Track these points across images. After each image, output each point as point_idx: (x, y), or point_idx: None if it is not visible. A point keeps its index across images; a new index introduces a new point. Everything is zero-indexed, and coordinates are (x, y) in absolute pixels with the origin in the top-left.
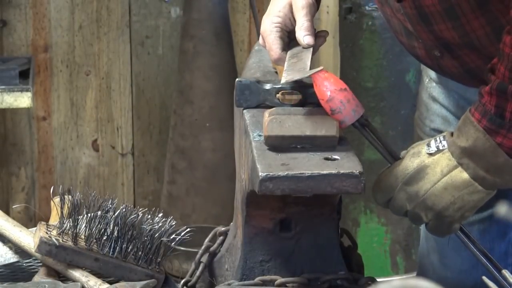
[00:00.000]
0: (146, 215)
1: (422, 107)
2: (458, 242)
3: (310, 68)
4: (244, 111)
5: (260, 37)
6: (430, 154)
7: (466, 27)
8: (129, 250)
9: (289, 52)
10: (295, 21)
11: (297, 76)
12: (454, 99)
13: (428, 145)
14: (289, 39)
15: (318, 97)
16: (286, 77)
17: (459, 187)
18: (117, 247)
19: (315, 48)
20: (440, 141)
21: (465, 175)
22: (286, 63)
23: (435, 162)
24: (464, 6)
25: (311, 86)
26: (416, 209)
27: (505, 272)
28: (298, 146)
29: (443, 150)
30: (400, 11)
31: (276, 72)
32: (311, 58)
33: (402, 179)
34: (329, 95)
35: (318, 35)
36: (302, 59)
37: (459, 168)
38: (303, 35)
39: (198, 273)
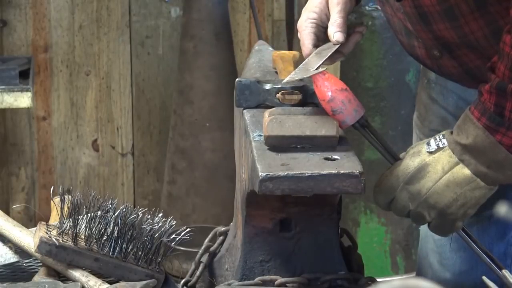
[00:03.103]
0: (146, 215)
1: (421, 108)
2: (458, 243)
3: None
4: (244, 111)
5: (298, 32)
6: (431, 153)
7: (465, 28)
8: (129, 250)
9: (318, 49)
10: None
11: (298, 76)
12: (453, 100)
13: (428, 144)
14: (324, 35)
15: (319, 97)
16: (291, 76)
17: (461, 183)
18: (117, 247)
19: (350, 44)
20: (440, 140)
21: (466, 171)
22: (307, 59)
23: (435, 160)
24: (463, 7)
25: (311, 86)
26: (419, 208)
27: (505, 272)
28: (298, 146)
29: (443, 148)
30: (400, 10)
31: (276, 72)
32: (340, 53)
33: (403, 179)
34: (330, 95)
35: (355, 31)
36: (320, 57)
37: (461, 165)
38: (333, 32)
39: (198, 273)
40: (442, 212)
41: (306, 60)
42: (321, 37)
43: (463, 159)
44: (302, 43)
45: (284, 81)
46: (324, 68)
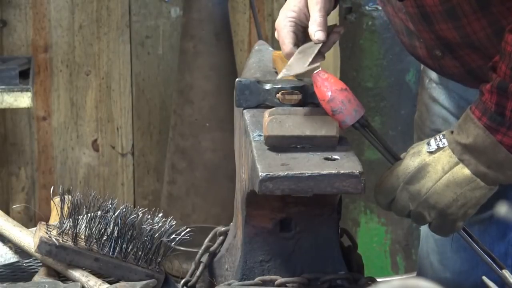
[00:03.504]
0: (146, 215)
1: (422, 108)
2: (458, 243)
3: (313, 64)
4: (244, 111)
5: (276, 31)
6: (431, 153)
7: (467, 28)
8: (129, 250)
9: (299, 48)
10: (310, 16)
11: (292, 72)
12: (454, 100)
13: (428, 144)
14: (303, 34)
15: (319, 97)
16: (284, 72)
17: (461, 183)
18: (117, 247)
19: (329, 44)
20: (440, 139)
21: (466, 171)
22: (292, 58)
23: (436, 160)
24: (465, 7)
25: (311, 86)
26: (419, 208)
27: (506, 272)
28: (298, 146)
29: (443, 148)
30: (402, 10)
31: (276, 72)
32: (320, 54)
33: (403, 179)
34: (330, 95)
35: (333, 31)
36: (306, 55)
37: (461, 165)
38: (314, 31)
39: (198, 273)
40: (442, 212)
41: (291, 59)
42: (300, 36)
43: (463, 159)
44: (282, 41)
45: (278, 77)
46: (318, 64)
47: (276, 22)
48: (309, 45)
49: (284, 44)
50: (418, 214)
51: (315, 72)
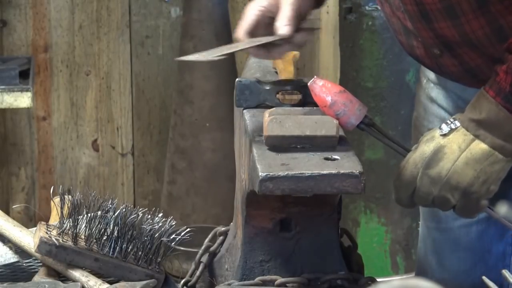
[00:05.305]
0: (146, 215)
1: (420, 108)
2: (457, 243)
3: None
4: (244, 111)
5: None
6: (444, 135)
7: (466, 26)
8: (129, 250)
9: (256, 38)
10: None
11: (202, 58)
12: (452, 100)
13: (440, 128)
14: (267, 26)
15: (320, 105)
16: (196, 56)
17: (480, 159)
18: (117, 247)
19: (301, 41)
20: (452, 122)
21: (483, 146)
22: (236, 43)
23: (451, 141)
24: (464, 6)
25: None
26: (442, 192)
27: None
28: (298, 146)
29: (456, 128)
30: (401, 9)
31: (276, 72)
32: (283, 46)
33: (422, 165)
34: (331, 99)
35: (307, 29)
36: (240, 45)
37: (477, 141)
38: (281, 24)
39: (198, 273)
40: (466, 191)
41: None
42: (262, 25)
43: (478, 134)
44: (239, 24)
45: (187, 58)
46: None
47: (247, 7)
48: (266, 39)
49: (239, 27)
50: (442, 197)
51: (310, 81)
